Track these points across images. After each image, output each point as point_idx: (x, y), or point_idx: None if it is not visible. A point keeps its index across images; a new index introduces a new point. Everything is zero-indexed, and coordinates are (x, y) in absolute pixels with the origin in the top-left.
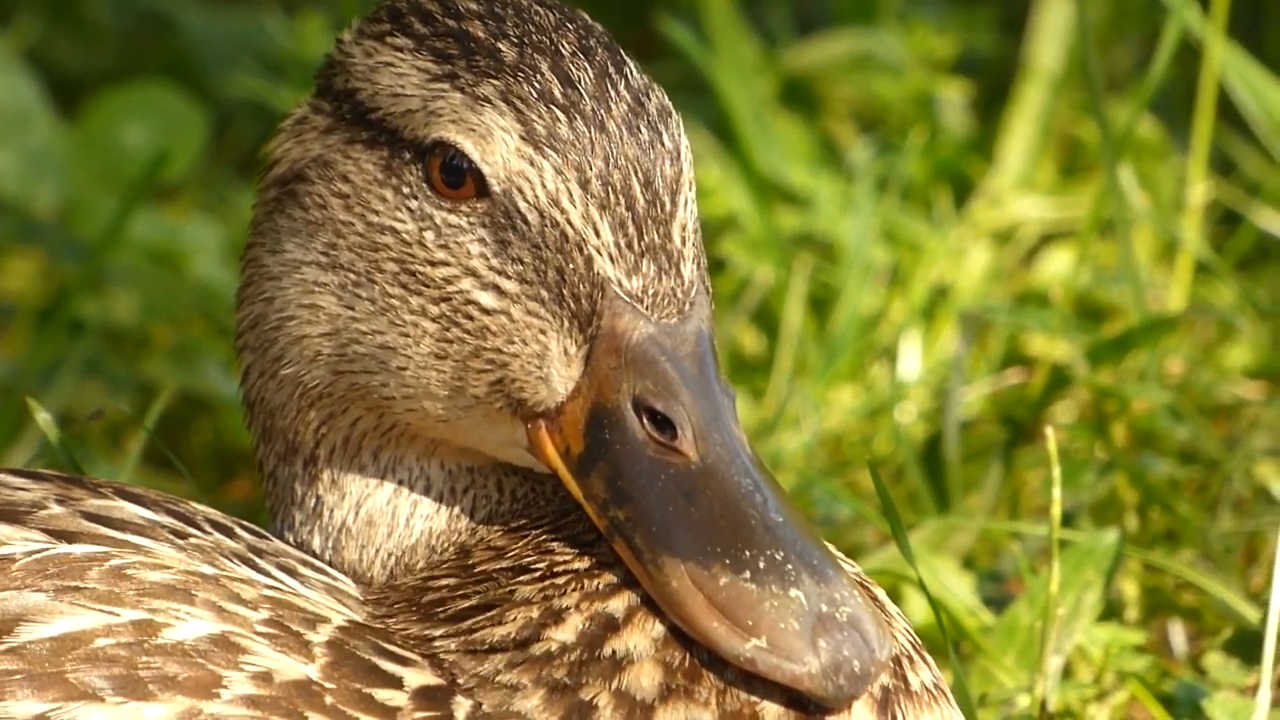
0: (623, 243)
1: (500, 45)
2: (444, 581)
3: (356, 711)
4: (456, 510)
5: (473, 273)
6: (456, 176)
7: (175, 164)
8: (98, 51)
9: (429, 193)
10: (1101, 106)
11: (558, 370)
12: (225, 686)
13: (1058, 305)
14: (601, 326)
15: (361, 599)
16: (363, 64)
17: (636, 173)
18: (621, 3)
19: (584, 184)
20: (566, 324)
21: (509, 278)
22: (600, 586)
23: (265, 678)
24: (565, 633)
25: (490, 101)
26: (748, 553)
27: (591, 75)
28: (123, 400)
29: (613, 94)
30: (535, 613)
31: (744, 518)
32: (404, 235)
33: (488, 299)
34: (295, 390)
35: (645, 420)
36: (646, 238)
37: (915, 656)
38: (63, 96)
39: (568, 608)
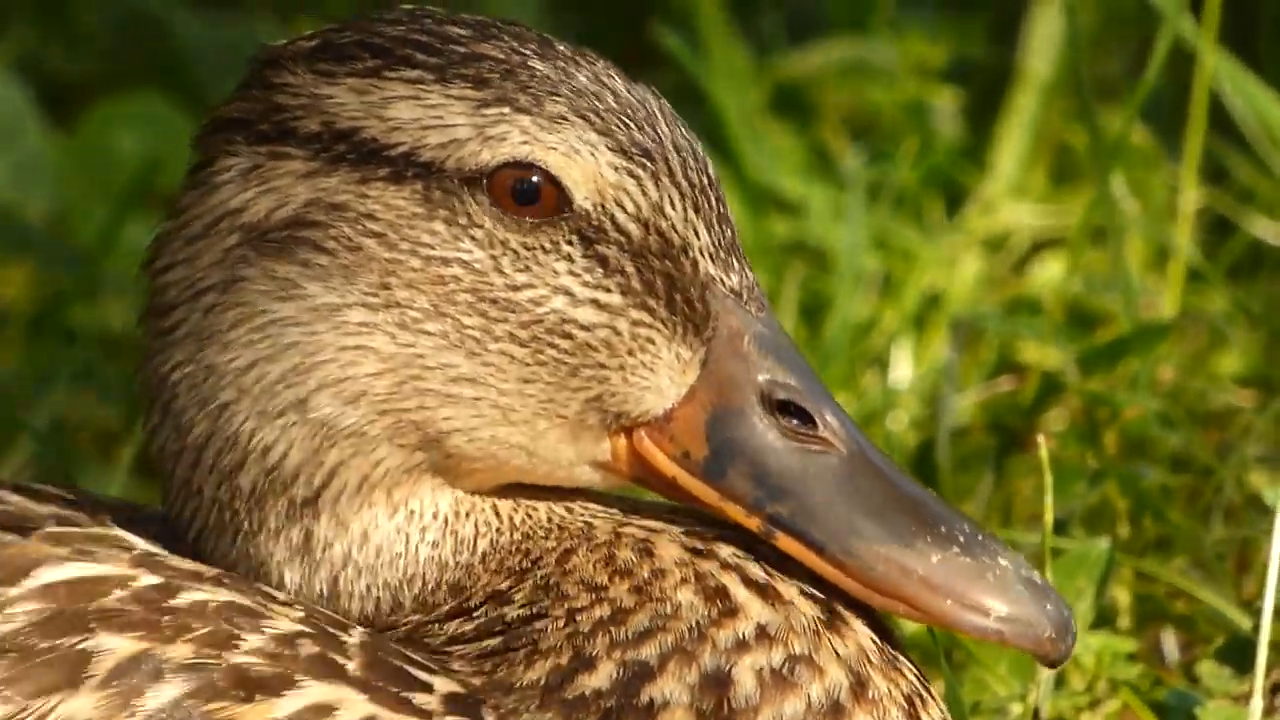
0: (716, 242)
1: (532, 64)
2: (451, 625)
3: (396, 712)
4: (460, 538)
5: (565, 291)
6: (529, 197)
7: (167, 172)
8: (89, 59)
9: (500, 216)
10: (1093, 114)
11: (670, 377)
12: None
13: (1049, 312)
14: (718, 328)
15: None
16: (357, 102)
17: (704, 173)
18: (614, 11)
19: (679, 189)
20: (680, 330)
21: (610, 290)
22: (629, 635)
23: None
24: (598, 679)
25: (566, 119)
26: (942, 528)
27: (622, 81)
28: (115, 409)
29: (649, 98)
30: (564, 659)
31: (913, 498)
32: (474, 264)
33: (587, 315)
34: (316, 432)
35: (778, 414)
36: (726, 235)
37: (925, 695)
38: (54, 104)
39: (598, 655)
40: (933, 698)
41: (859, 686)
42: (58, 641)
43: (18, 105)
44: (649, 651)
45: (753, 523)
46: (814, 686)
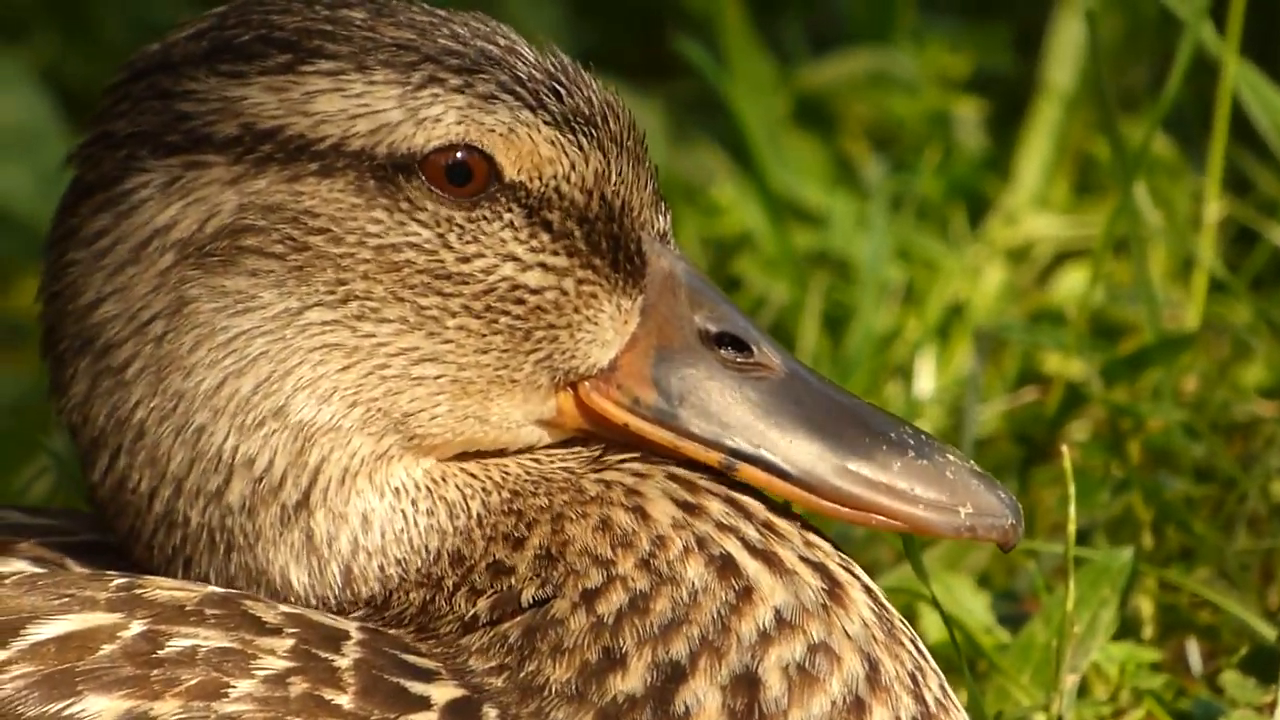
0: (648, 192)
1: (443, 41)
2: (461, 603)
3: None
4: (450, 502)
5: (513, 257)
6: (463, 174)
7: None
8: (110, 69)
9: (439, 195)
10: (1116, 124)
11: (614, 328)
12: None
13: (1073, 323)
14: (649, 273)
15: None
16: (275, 100)
17: (629, 125)
18: (633, 20)
19: (617, 149)
20: (622, 282)
21: (556, 253)
22: (656, 628)
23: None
24: (631, 681)
25: (498, 97)
26: (892, 434)
27: (528, 47)
28: None
29: (562, 59)
30: (592, 656)
31: (856, 408)
32: (424, 245)
33: (535, 278)
34: (297, 435)
35: (716, 347)
36: (653, 181)
37: (924, 666)
38: (76, 114)
39: (627, 652)
40: (929, 664)
41: (873, 673)
42: (45, 709)
43: (39, 115)
44: (678, 649)
45: (712, 458)
46: (834, 680)
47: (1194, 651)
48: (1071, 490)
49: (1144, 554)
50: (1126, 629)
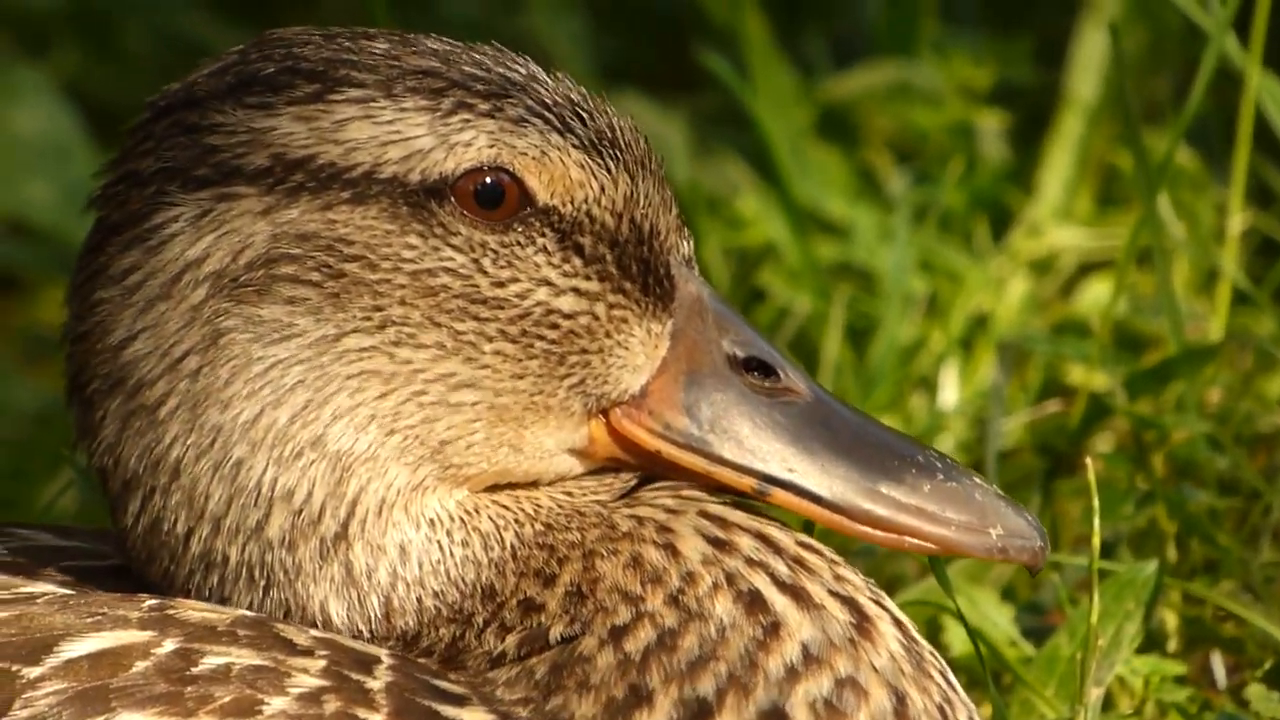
0: (673, 215)
1: (472, 70)
2: (490, 638)
3: None
4: (484, 534)
5: (546, 282)
6: (494, 197)
7: None
8: (136, 82)
9: (472, 219)
10: (1139, 136)
11: (645, 353)
12: None
13: (1096, 335)
14: (678, 298)
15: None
16: (305, 130)
17: (649, 148)
18: (658, 34)
19: (643, 172)
20: (651, 306)
21: (589, 278)
22: (682, 665)
23: None
24: (657, 719)
25: (528, 120)
26: (920, 458)
27: (552, 80)
28: None
29: (576, 85)
30: (619, 692)
31: (880, 432)
32: (459, 270)
33: (569, 303)
34: (335, 465)
35: (744, 371)
36: (676, 205)
37: (952, 697)
38: (101, 128)
39: (653, 689)
40: (959, 695)
41: (901, 707)
42: None
43: (64, 128)
44: (705, 686)
45: (745, 484)
46: (861, 714)
47: (1218, 664)
48: (1095, 503)
49: (1168, 567)
50: (1151, 642)
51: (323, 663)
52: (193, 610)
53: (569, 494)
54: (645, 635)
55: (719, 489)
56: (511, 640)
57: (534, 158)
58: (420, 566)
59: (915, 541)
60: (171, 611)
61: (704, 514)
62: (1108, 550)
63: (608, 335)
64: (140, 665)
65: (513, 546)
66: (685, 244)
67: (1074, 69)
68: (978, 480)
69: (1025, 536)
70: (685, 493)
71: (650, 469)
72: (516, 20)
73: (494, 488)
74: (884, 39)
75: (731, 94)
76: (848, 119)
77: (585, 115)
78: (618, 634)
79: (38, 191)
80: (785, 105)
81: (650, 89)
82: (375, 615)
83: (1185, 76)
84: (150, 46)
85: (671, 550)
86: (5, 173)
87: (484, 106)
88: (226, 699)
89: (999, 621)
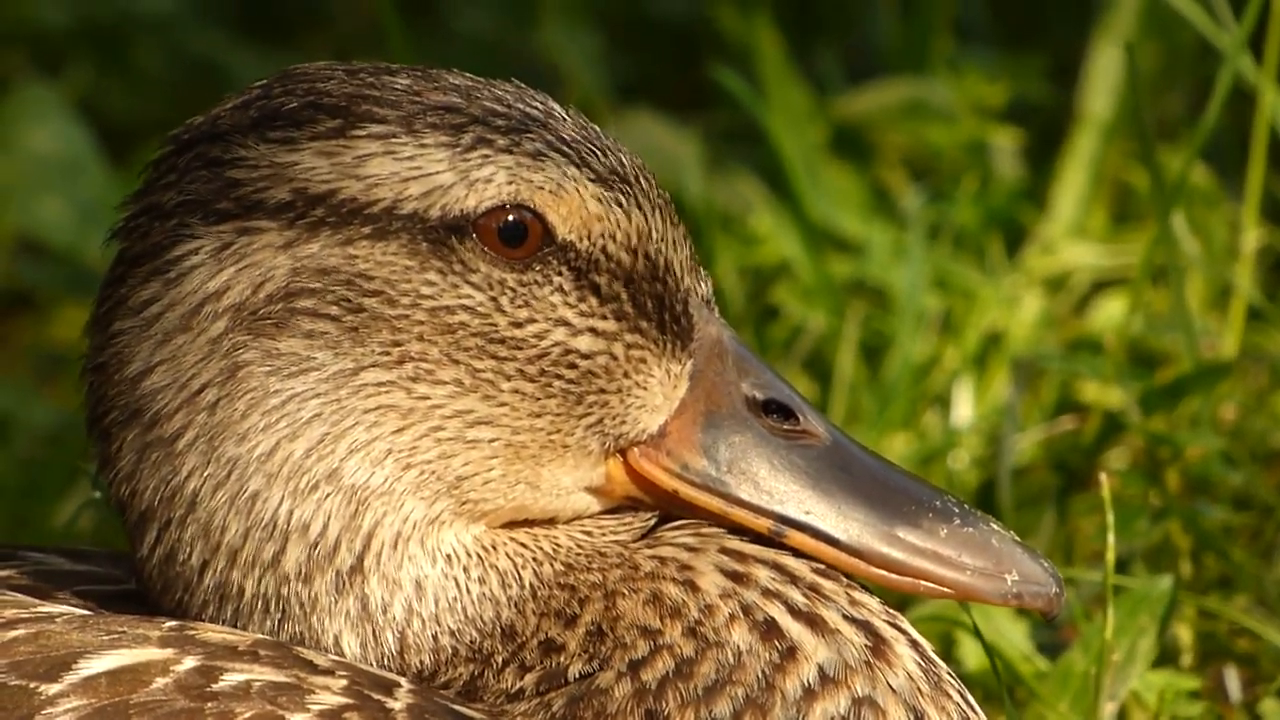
0: (688, 255)
1: (491, 106)
2: (509, 677)
3: None
4: (501, 571)
5: (564, 322)
6: (518, 234)
7: None
8: (149, 101)
9: (493, 257)
10: (1153, 153)
11: (664, 393)
12: None
13: (1110, 352)
14: (697, 339)
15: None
16: (326, 165)
17: (661, 188)
18: (673, 52)
19: (656, 210)
20: (670, 346)
21: (605, 318)
22: (699, 690)
23: None
24: None
25: (546, 155)
26: (937, 503)
27: (557, 106)
28: None
29: (592, 124)
30: (636, 719)
31: (898, 476)
32: (478, 308)
33: (586, 343)
34: (351, 498)
35: (763, 414)
36: (691, 246)
37: (973, 718)
38: (114, 146)
39: (670, 715)
40: (977, 714)
41: None
42: None
43: (79, 146)
44: (722, 709)
45: (761, 525)
46: None
47: (1233, 679)
48: (1110, 519)
49: (1182, 582)
50: (1165, 657)
51: (344, 682)
52: (213, 632)
53: (588, 533)
54: (663, 665)
55: (736, 529)
56: (530, 679)
57: (551, 191)
58: (436, 603)
59: (930, 586)
60: (191, 632)
61: (723, 550)
62: (1122, 566)
63: (626, 375)
64: (160, 681)
65: (532, 585)
66: (703, 285)
67: (1088, 86)
68: (995, 526)
69: (1040, 583)
70: (705, 530)
71: (667, 508)
72: (531, 37)
73: (511, 524)
74: (898, 56)
75: (745, 111)
76: (861, 136)
77: (600, 151)
78: (636, 666)
79: (50, 210)
80: (799, 122)
81: (664, 105)
82: (390, 651)
83: (1199, 93)
84: (163, 65)
85: (691, 586)
86: (18, 191)
87: (502, 141)
88: (247, 715)
89: (1013, 636)
